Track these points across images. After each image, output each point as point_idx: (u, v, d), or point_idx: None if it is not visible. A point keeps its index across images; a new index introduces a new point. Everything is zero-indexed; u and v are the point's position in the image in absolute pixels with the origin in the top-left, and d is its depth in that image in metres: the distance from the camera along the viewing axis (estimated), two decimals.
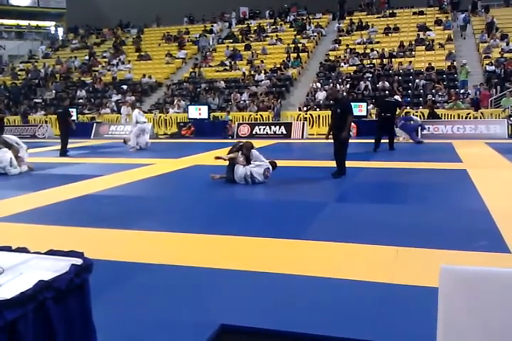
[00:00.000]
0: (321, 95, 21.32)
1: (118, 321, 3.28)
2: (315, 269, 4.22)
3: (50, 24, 41.16)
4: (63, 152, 13.81)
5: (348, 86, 21.50)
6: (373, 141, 13.37)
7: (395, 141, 13.96)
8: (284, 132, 19.14)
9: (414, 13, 28.82)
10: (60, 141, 14.19)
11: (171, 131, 21.15)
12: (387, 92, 20.18)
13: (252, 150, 8.80)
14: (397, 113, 13.90)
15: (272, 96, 21.63)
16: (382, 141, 13.33)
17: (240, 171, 8.63)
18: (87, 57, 30.82)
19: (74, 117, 21.49)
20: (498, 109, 18.38)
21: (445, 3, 28.57)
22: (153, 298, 3.74)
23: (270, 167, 8.74)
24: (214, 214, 6.60)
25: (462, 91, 20.11)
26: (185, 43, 29.71)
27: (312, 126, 19.77)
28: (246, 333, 3.14)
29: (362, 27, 27.57)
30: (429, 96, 19.65)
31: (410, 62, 22.70)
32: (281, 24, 30.59)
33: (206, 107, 20.75)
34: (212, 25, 32.10)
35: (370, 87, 20.86)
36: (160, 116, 22.08)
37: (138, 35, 33.30)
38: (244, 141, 9.33)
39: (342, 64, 23.92)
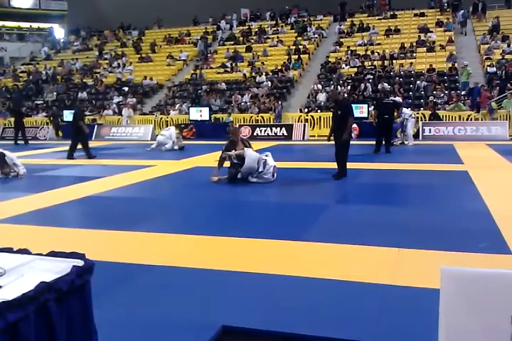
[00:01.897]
0: (321, 97, 21.33)
1: (119, 322, 3.28)
2: (316, 271, 4.22)
3: (51, 26, 41.23)
4: (70, 154, 13.43)
5: (349, 87, 21.51)
6: (374, 142, 13.38)
7: (400, 142, 13.86)
8: (285, 134, 19.14)
9: (415, 15, 28.84)
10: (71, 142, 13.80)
11: None
12: (387, 93, 20.21)
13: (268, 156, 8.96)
14: (395, 114, 13.83)
15: (273, 98, 21.63)
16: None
17: (254, 155, 8.70)
18: (96, 53, 30.91)
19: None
20: (500, 111, 18.37)
21: (445, 4, 28.59)
22: (153, 299, 3.74)
23: (275, 165, 8.84)
24: (215, 216, 6.61)
25: (463, 92, 20.09)
26: (209, 44, 29.42)
27: (313, 127, 19.78)
28: (247, 334, 3.14)
29: (363, 29, 27.58)
30: (431, 98, 19.65)
31: (411, 63, 22.69)
32: (282, 26, 30.61)
33: (207, 109, 20.76)
34: (219, 22, 32.15)
35: (370, 88, 20.86)
36: (161, 118, 22.11)
37: (139, 36, 33.35)
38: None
39: (343, 65, 23.93)
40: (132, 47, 31.35)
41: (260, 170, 8.63)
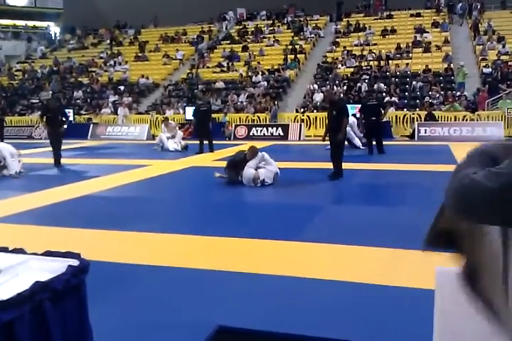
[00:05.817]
0: (318, 97, 21.34)
1: (114, 322, 3.28)
2: (311, 271, 4.23)
3: (46, 24, 41.08)
4: (212, 148, 14.16)
5: (345, 88, 21.53)
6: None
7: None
8: (281, 134, 19.14)
9: (412, 15, 28.87)
10: (200, 141, 14.29)
11: None
12: (383, 94, 20.25)
13: (265, 155, 8.82)
14: (381, 115, 13.58)
15: (269, 98, 21.63)
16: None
17: (248, 174, 8.61)
18: (108, 42, 30.82)
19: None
20: (495, 111, 18.44)
21: (442, 5, 28.69)
22: (150, 299, 3.73)
23: (279, 171, 8.78)
24: (210, 216, 6.61)
25: (458, 93, 20.14)
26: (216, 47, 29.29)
27: (309, 127, 19.77)
28: (243, 334, 3.14)
29: (359, 29, 27.61)
30: (427, 98, 19.69)
31: (407, 64, 22.73)
32: (278, 25, 30.60)
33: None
34: (225, 13, 32.17)
35: (366, 88, 20.88)
36: (157, 117, 22.06)
37: (135, 35, 33.28)
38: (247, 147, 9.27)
39: (339, 65, 23.96)
40: (138, 46, 31.18)
41: (259, 184, 8.56)
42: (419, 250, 4.84)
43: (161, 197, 7.99)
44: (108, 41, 33.20)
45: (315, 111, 20.47)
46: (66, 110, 17.19)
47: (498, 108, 18.59)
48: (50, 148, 12.12)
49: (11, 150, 10.56)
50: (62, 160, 11.99)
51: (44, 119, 12.18)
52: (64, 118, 12.25)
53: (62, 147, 12.23)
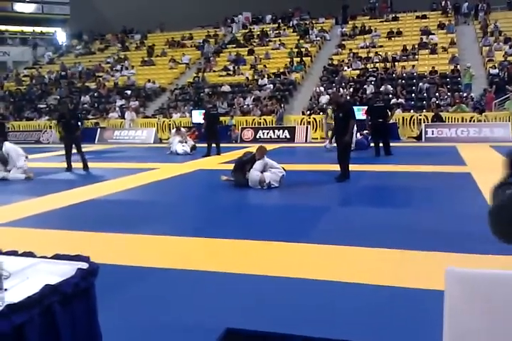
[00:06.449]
0: (324, 99, 21.32)
1: (124, 325, 3.28)
2: (319, 273, 4.22)
3: (54, 30, 41.33)
4: (219, 151, 14.27)
5: (351, 90, 21.51)
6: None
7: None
8: (288, 136, 19.15)
9: (417, 17, 28.82)
10: (207, 145, 14.29)
11: None
12: (389, 95, 20.20)
13: (268, 161, 8.83)
14: (388, 117, 13.55)
15: (275, 101, 21.64)
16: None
17: (254, 176, 8.63)
18: (119, 46, 31.02)
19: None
20: (502, 112, 18.35)
21: (448, 6, 28.62)
22: (158, 302, 3.74)
23: (285, 173, 8.79)
24: (217, 218, 6.62)
25: (465, 94, 20.06)
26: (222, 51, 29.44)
27: (316, 130, 19.77)
28: (251, 337, 3.13)
29: (365, 31, 27.59)
30: (433, 100, 19.63)
31: (413, 65, 22.68)
32: (284, 29, 30.63)
33: None
34: (234, 15, 32.29)
35: (372, 90, 20.85)
36: (163, 121, 22.13)
37: (141, 40, 33.43)
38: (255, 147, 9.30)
39: (345, 68, 23.94)
40: (146, 51, 31.29)
41: (265, 187, 8.57)
42: (427, 251, 4.80)
43: (168, 200, 8.01)
44: (115, 46, 33.40)
45: (321, 113, 20.45)
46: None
47: (505, 109, 18.51)
48: (59, 153, 12.19)
49: (18, 151, 10.75)
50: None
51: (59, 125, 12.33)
52: (79, 123, 12.31)
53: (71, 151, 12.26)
